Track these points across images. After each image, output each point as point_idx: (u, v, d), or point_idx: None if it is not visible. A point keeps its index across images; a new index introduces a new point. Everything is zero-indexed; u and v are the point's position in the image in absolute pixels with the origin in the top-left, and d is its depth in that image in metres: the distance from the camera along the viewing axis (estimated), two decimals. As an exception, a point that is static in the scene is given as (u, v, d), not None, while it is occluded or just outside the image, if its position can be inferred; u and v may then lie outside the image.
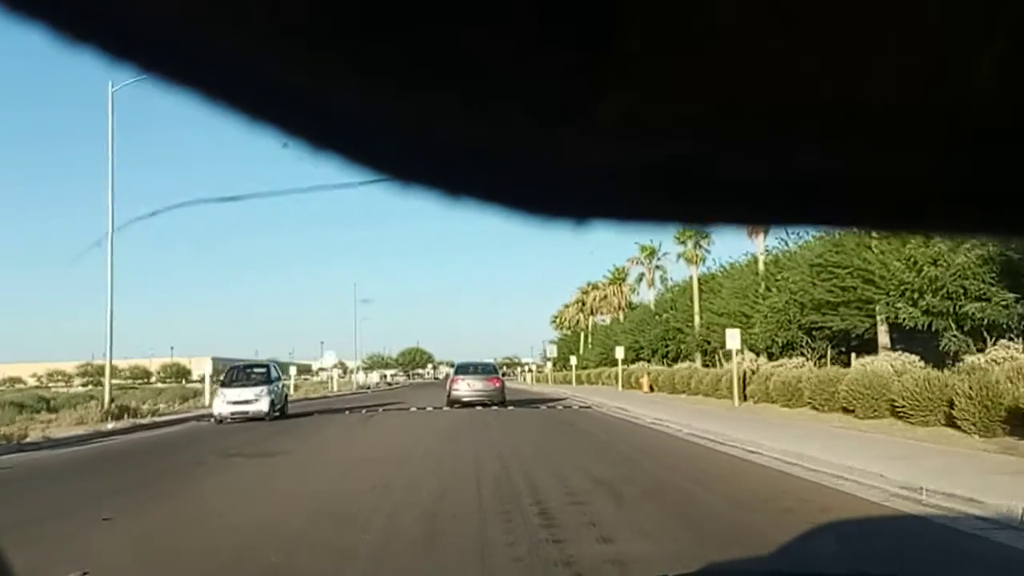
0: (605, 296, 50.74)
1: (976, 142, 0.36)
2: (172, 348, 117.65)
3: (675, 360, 34.81)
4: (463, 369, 24.68)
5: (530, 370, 76.12)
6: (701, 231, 25.82)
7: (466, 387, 23.13)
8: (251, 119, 0.36)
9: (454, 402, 22.76)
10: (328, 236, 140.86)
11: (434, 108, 0.36)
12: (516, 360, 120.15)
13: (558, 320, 74.02)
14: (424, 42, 0.33)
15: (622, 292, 49.59)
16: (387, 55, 0.33)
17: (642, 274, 44.49)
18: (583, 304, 63.26)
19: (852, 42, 0.32)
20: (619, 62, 0.33)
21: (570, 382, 49.90)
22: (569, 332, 68.18)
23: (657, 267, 42.39)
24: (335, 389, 46.09)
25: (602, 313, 59.98)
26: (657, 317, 37.00)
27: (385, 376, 74.24)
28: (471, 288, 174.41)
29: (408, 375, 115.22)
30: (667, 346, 35.19)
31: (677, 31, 0.32)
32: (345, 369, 64.61)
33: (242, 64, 0.35)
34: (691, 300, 32.00)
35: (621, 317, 48.39)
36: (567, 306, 71.75)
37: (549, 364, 51.22)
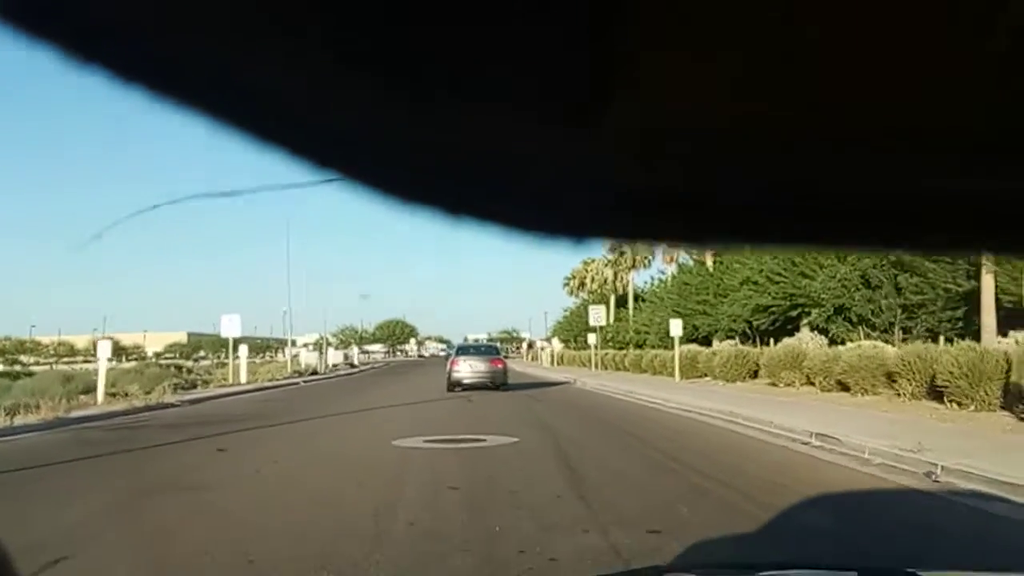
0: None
1: (976, 154, 0.36)
2: (105, 319, 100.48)
3: (882, 329, 16.65)
4: (464, 351, 21.97)
5: (543, 348, 57.40)
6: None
7: (468, 368, 20.05)
8: (254, 139, 0.36)
9: (455, 384, 19.65)
10: (303, 209, 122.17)
11: (435, 125, 0.36)
12: (515, 334, 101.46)
13: (574, 281, 55.97)
14: (424, 58, 0.32)
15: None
16: (384, 67, 0.32)
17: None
18: (621, 254, 45.15)
19: (856, 57, 0.31)
20: (620, 78, 0.32)
21: (614, 366, 31.79)
22: (589, 297, 50.12)
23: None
24: (242, 380, 27.82)
25: (650, 263, 42.15)
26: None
27: (349, 356, 55.72)
28: (459, 256, 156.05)
29: (390, 352, 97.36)
30: (871, 301, 16.91)
31: (679, 44, 0.31)
32: (320, 346, 47.52)
33: (245, 85, 0.34)
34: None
35: (709, 261, 30.22)
36: (587, 263, 53.74)
37: (591, 337, 33.04)
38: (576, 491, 5.90)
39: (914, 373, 12.02)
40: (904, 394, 12.22)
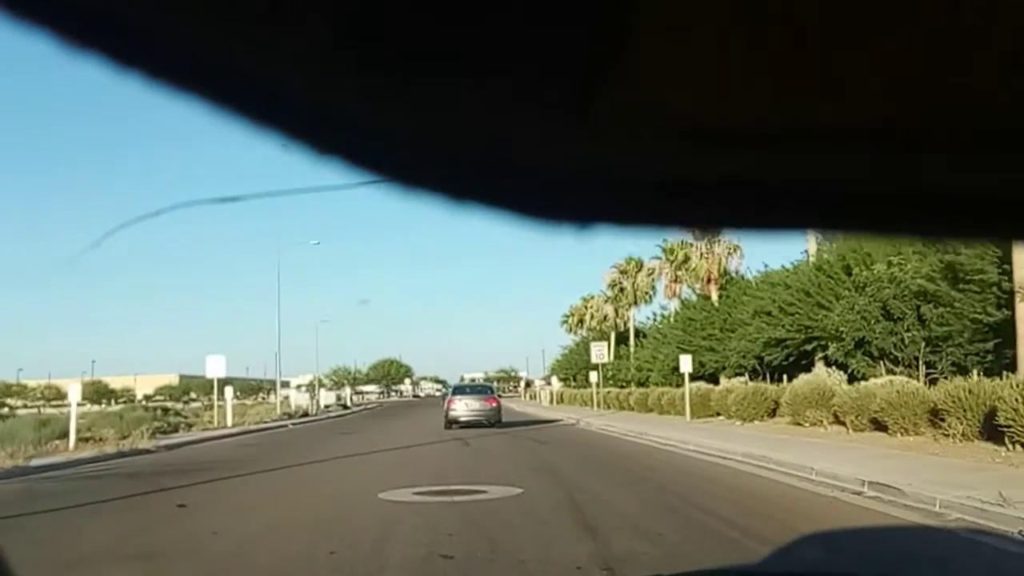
0: (682, 262, 31.28)
1: (976, 149, 0.36)
2: (93, 362, 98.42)
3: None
4: (460, 390, 23.38)
5: (543, 387, 56.02)
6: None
7: (464, 407, 21.22)
8: (255, 125, 0.35)
9: (452, 422, 20.78)
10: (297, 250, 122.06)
11: (436, 111, 0.35)
12: (513, 373, 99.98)
13: (573, 319, 54.90)
14: (424, 44, 0.32)
15: (713, 254, 30.25)
16: (388, 58, 0.32)
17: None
18: (621, 290, 44.10)
19: (850, 50, 0.31)
20: (619, 68, 0.33)
21: (617, 405, 30.52)
22: (588, 334, 49.00)
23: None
24: (228, 422, 26.46)
25: (651, 299, 41.17)
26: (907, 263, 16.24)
27: (341, 397, 54.31)
28: (455, 296, 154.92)
29: (384, 392, 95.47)
30: (893, 334, 15.74)
31: (680, 31, 0.31)
32: (312, 387, 46.44)
33: (246, 70, 0.34)
34: None
35: (714, 295, 29.13)
36: (586, 299, 52.74)
37: (593, 375, 31.92)
38: (600, 560, 4.77)
39: (965, 411, 10.68)
40: (954, 434, 10.91)
